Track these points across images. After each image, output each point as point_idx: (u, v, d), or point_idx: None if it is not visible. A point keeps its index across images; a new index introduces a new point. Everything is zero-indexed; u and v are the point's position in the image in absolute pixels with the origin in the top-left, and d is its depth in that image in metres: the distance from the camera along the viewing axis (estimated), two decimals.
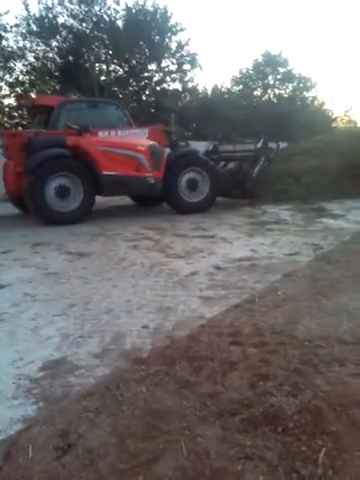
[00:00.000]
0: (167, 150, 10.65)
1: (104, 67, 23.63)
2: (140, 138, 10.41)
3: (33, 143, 8.97)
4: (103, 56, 23.07)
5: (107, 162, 9.49)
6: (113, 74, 24.13)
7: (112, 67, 24.02)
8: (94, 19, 21.67)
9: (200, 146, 21.96)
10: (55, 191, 9.15)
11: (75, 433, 2.27)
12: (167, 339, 3.38)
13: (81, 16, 21.44)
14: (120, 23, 22.83)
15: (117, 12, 22.69)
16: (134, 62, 23.99)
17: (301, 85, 33.46)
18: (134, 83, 24.87)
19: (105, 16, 22.16)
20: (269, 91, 33.12)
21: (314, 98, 34.62)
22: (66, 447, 2.17)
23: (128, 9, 22.85)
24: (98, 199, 10.09)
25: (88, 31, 21.62)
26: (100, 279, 5.19)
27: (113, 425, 2.34)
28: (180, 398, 2.55)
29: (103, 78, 23.32)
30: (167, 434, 2.24)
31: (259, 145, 12.99)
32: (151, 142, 10.16)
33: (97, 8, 21.82)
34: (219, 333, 3.46)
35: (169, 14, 23.88)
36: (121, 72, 24.42)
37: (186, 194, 10.57)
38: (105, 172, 9.46)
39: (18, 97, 14.27)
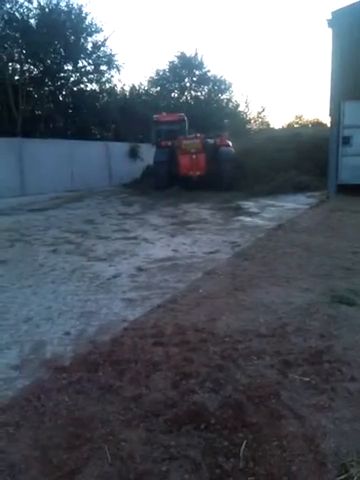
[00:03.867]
0: None
1: (17, 66, 22.67)
2: None
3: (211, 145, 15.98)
4: (16, 55, 22.13)
5: None
6: (27, 74, 23.22)
7: (26, 66, 23.09)
8: (6, 17, 20.71)
9: (119, 147, 21.97)
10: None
11: None
12: (90, 345, 3.33)
13: None
14: (33, 22, 22.05)
15: (30, 10, 21.86)
16: (49, 62, 23.16)
17: (216, 87, 34.42)
18: (50, 83, 24.08)
19: (17, 14, 21.28)
20: (186, 93, 33.73)
21: (229, 100, 35.78)
22: None
23: (41, 8, 22.03)
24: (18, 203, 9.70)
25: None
26: (18, 287, 4.99)
27: (35, 438, 2.28)
28: (103, 404, 2.53)
29: (17, 78, 22.38)
30: (91, 442, 2.21)
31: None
32: None
33: (8, 6, 20.88)
34: (142, 335, 3.47)
35: (84, 14, 23.43)
36: (36, 72, 23.56)
37: None
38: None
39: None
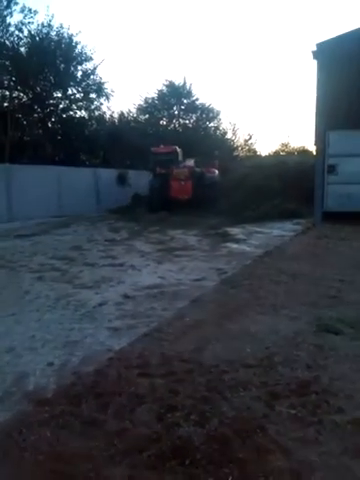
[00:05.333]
0: None
1: (7, 93, 22.86)
2: None
3: (198, 173, 18.59)
4: (6, 82, 22.35)
5: None
6: (17, 100, 23.39)
7: (15, 93, 23.30)
8: None
9: (107, 173, 22.09)
10: None
11: None
12: (73, 376, 3.26)
13: None
14: (23, 50, 22.37)
15: (20, 39, 22.23)
16: (39, 89, 23.42)
17: (204, 116, 35.01)
18: (39, 110, 24.28)
19: (8, 42, 21.60)
20: (174, 121, 34.22)
21: (216, 128, 36.35)
22: None
23: (32, 36, 22.41)
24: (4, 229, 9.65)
25: None
26: (1, 315, 4.90)
27: (14, 474, 2.21)
28: (86, 439, 2.46)
29: (6, 104, 22.53)
30: (73, 479, 2.15)
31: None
32: None
33: None
34: (127, 365, 3.41)
35: (74, 43, 23.88)
36: (25, 99, 23.77)
37: None
38: None
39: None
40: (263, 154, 39.93)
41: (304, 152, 33.21)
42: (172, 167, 18.81)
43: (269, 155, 38.00)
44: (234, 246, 9.36)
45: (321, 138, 13.40)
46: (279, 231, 11.58)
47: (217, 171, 19.67)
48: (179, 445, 2.36)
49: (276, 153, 39.67)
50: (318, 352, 3.60)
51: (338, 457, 2.26)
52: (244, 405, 2.76)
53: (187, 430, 2.50)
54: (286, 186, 16.33)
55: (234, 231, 11.55)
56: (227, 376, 3.16)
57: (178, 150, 20.35)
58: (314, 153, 15.09)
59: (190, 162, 19.97)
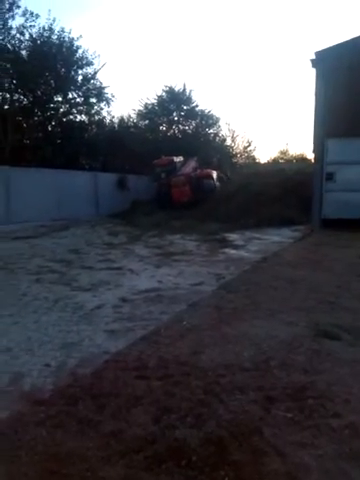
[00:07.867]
0: None
1: (7, 96, 22.93)
2: None
3: (194, 178, 21.43)
4: (6, 85, 22.44)
5: None
6: (17, 103, 23.44)
7: (16, 96, 23.36)
8: None
9: (107, 177, 22.15)
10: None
11: None
12: (70, 377, 3.26)
13: None
14: (25, 53, 22.44)
15: (21, 42, 22.33)
16: (39, 92, 23.49)
17: (203, 122, 35.11)
18: (39, 113, 24.34)
19: (9, 45, 21.68)
20: (174, 127, 34.30)
21: (216, 134, 36.45)
22: None
23: (33, 40, 22.51)
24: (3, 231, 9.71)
25: None
26: None
27: (9, 473, 2.20)
28: (82, 439, 2.46)
29: (6, 107, 22.59)
30: (68, 478, 2.14)
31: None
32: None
33: (0, 37, 21.31)
34: (124, 367, 3.41)
35: (75, 47, 23.98)
36: (26, 102, 23.85)
37: None
38: None
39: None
40: (262, 161, 40.12)
41: (303, 160, 33.35)
42: (171, 177, 21.49)
43: (268, 162, 38.18)
44: (232, 252, 9.38)
45: (319, 146, 13.46)
46: (277, 238, 11.60)
47: (215, 173, 22.41)
48: (175, 447, 2.35)
49: (275, 160, 39.84)
50: (315, 357, 3.60)
51: (334, 460, 2.26)
52: (240, 408, 2.76)
53: (183, 432, 2.49)
54: (285, 193, 16.39)
55: (233, 237, 11.58)
56: (224, 379, 3.16)
57: (175, 160, 22.90)
58: (312, 161, 15.14)
59: (192, 162, 22.92)
